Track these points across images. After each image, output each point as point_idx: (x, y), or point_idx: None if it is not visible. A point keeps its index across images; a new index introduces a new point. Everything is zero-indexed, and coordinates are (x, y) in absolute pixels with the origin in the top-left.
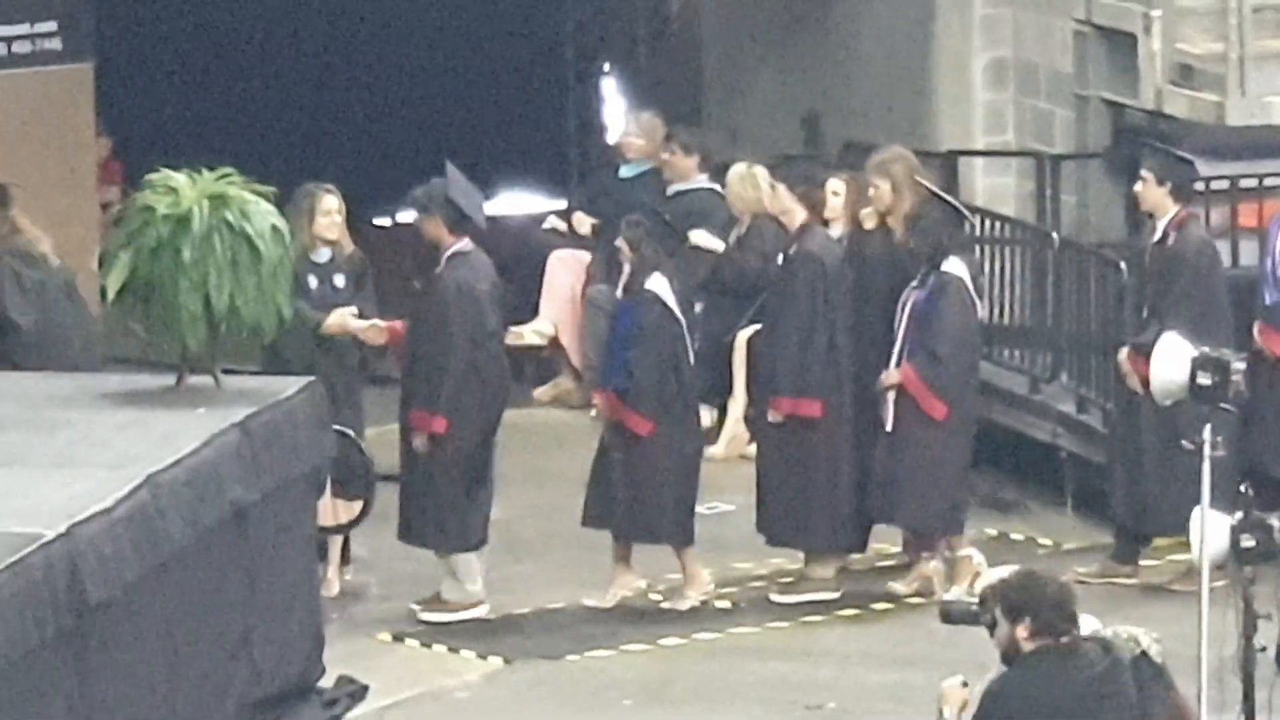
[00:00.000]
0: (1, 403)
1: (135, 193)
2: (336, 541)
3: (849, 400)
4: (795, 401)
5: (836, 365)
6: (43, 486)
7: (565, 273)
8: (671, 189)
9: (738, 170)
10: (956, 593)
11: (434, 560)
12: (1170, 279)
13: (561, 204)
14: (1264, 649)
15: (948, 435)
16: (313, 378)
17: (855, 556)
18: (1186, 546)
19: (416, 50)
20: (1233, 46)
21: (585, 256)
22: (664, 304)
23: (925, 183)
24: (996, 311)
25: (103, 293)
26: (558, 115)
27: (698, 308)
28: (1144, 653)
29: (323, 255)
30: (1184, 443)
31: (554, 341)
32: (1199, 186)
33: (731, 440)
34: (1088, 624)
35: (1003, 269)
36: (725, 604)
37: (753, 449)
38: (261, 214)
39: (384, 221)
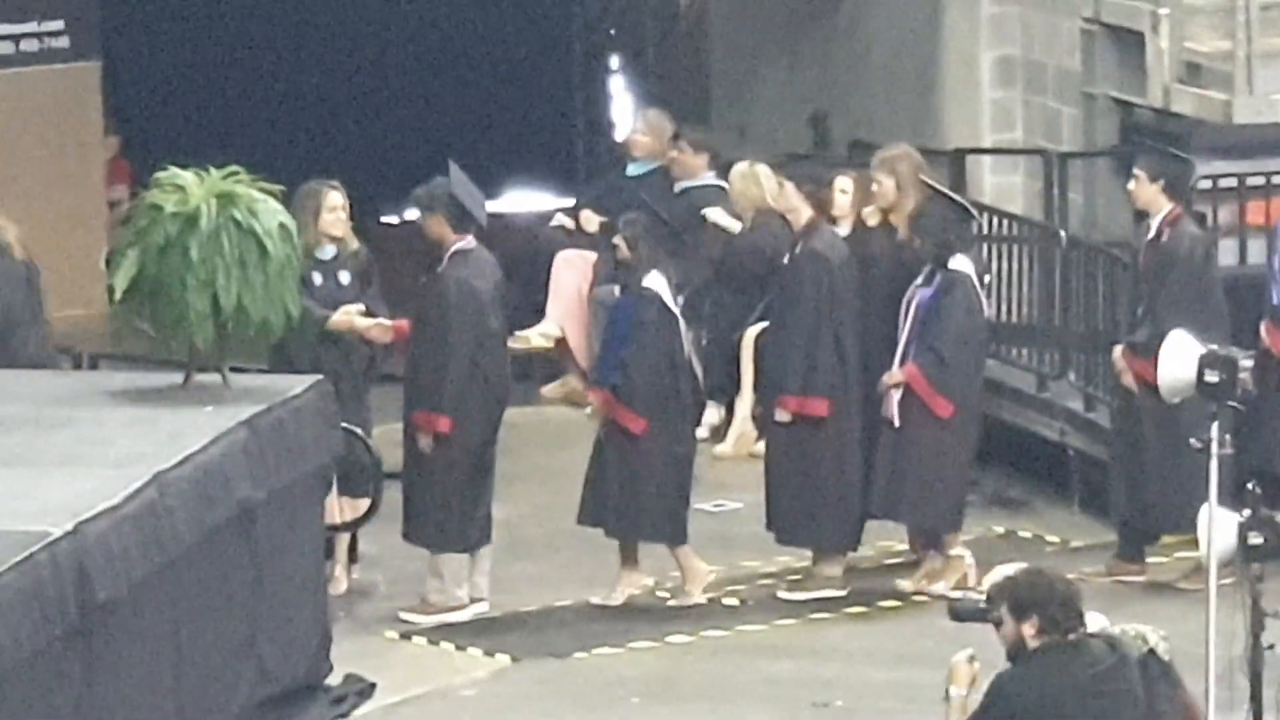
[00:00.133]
0: (9, 401)
1: (143, 191)
2: (344, 539)
3: (856, 398)
4: (802, 400)
5: (843, 364)
6: (50, 485)
7: (571, 273)
8: (679, 186)
9: (740, 168)
10: (941, 589)
11: None
12: (1164, 276)
13: (569, 202)
14: (1272, 647)
15: (953, 433)
16: (320, 376)
17: (863, 554)
18: (1193, 544)
19: (424, 48)
20: (1240, 45)
21: (591, 256)
22: (662, 302)
23: (931, 181)
24: (1004, 309)
25: (110, 291)
26: (565, 113)
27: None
28: (1151, 650)
29: (328, 252)
30: (1192, 441)
31: (560, 343)
32: (1206, 185)
33: (739, 438)
34: (1095, 622)
35: (1010, 267)
36: (733, 601)
37: (760, 447)
38: (269, 212)
39: (392, 219)
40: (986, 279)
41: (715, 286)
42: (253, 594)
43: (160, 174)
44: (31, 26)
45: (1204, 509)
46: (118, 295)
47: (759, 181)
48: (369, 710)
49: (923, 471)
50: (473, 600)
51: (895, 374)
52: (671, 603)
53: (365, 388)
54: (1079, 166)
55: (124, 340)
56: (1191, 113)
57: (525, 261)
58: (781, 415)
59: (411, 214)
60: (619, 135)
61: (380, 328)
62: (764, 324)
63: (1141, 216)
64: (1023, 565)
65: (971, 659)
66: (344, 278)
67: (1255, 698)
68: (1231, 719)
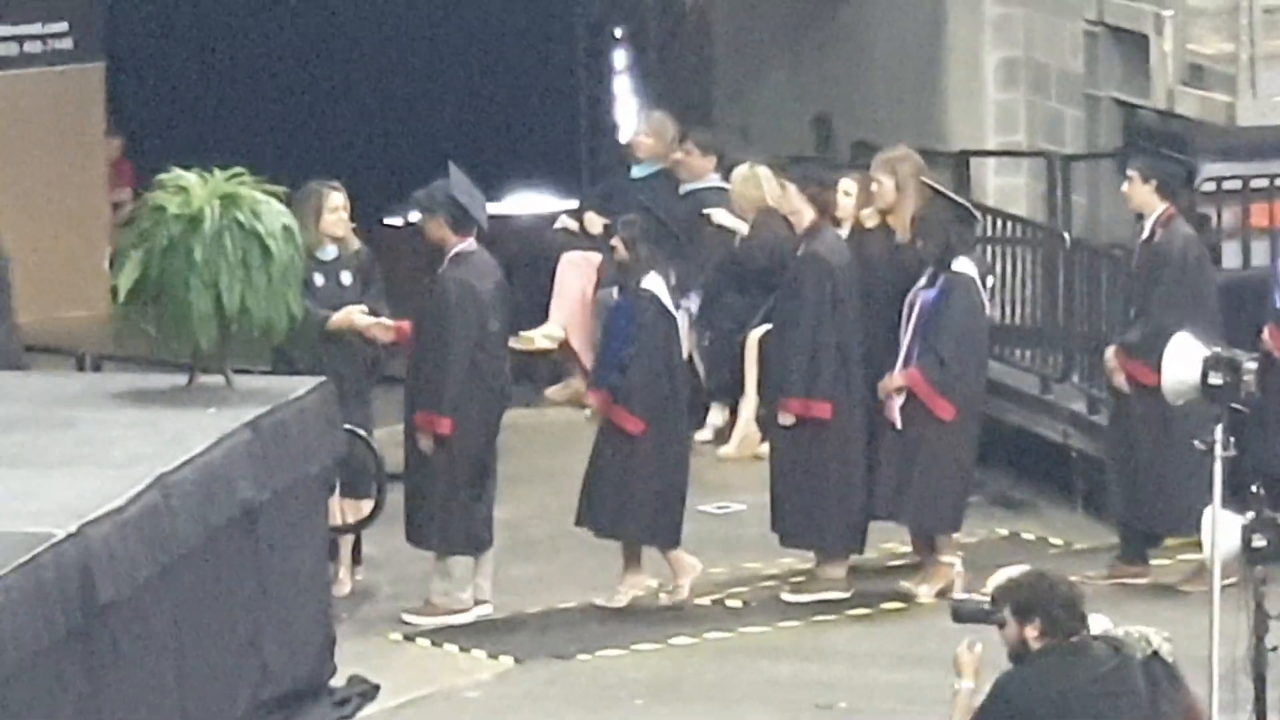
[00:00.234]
0: (12, 402)
1: (146, 192)
2: (348, 541)
3: (859, 401)
4: (805, 404)
5: (846, 366)
6: (53, 486)
7: (575, 275)
8: (685, 188)
9: (741, 171)
10: (926, 591)
11: None
12: (1157, 276)
13: (573, 204)
14: (1275, 649)
15: (955, 435)
16: (323, 378)
17: (865, 556)
18: (1194, 546)
19: (428, 50)
20: (1244, 47)
21: (596, 258)
22: (660, 303)
23: (933, 183)
24: (1008, 311)
25: (113, 292)
26: (569, 115)
27: (691, 305)
28: (1155, 652)
29: (329, 253)
30: (1195, 442)
31: (564, 345)
32: (1209, 187)
33: (743, 440)
34: (1098, 624)
35: (1014, 269)
36: (736, 603)
37: (764, 449)
38: (273, 213)
39: (395, 221)
40: (990, 281)
41: (718, 288)
42: (256, 596)
43: (163, 175)
44: (35, 28)
45: (1207, 511)
46: (121, 296)
47: (759, 184)
48: (372, 712)
49: (926, 473)
50: (476, 602)
51: (896, 379)
52: (664, 601)
53: (368, 389)
54: (1082, 168)
55: (127, 342)
56: (1195, 115)
57: (529, 263)
58: (784, 418)
59: (414, 216)
60: (623, 137)
61: (381, 327)
62: (768, 326)
63: (1142, 218)
64: (1026, 567)
65: (972, 645)
66: (345, 278)
67: (1259, 700)
68: None
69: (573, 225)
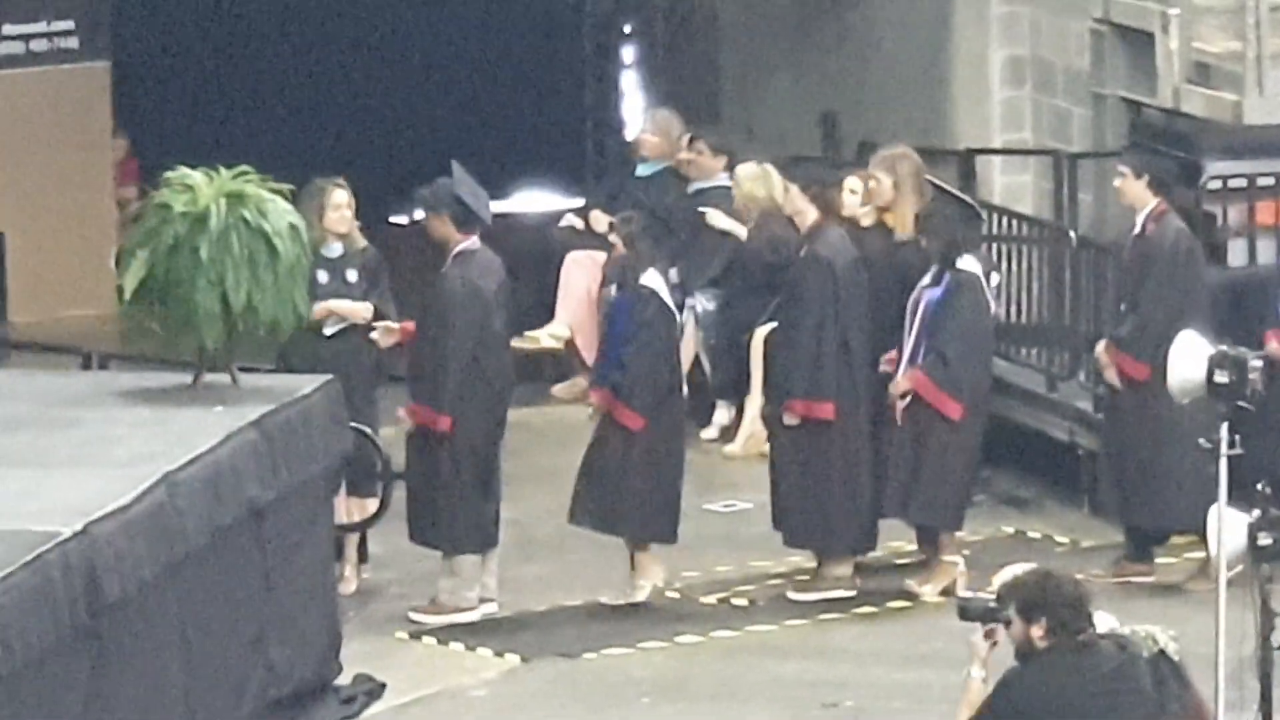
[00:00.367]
0: (18, 402)
1: (152, 191)
2: (354, 539)
3: (863, 400)
4: (809, 404)
5: (849, 366)
6: (59, 485)
7: (581, 274)
8: (694, 187)
9: (747, 170)
10: (930, 590)
11: None
12: (1147, 271)
13: (578, 202)
14: None
15: (961, 433)
16: (329, 376)
17: (872, 554)
18: (1199, 544)
19: (433, 48)
20: (1250, 45)
21: (601, 257)
22: (660, 300)
23: (936, 181)
24: (1014, 310)
25: (119, 291)
26: (575, 113)
27: (697, 303)
28: (1161, 651)
29: (334, 250)
30: (1200, 441)
31: (570, 343)
32: (1215, 185)
33: (749, 438)
34: (1105, 622)
35: (1020, 267)
36: (742, 602)
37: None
38: (279, 212)
39: (401, 220)
40: (995, 279)
41: (733, 288)
42: (262, 594)
43: (169, 174)
44: (41, 26)
45: (1213, 509)
46: (127, 295)
47: (769, 183)
48: (378, 710)
49: (933, 471)
50: (482, 600)
51: (901, 382)
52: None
53: (374, 388)
54: (1089, 167)
55: (133, 340)
56: (1201, 113)
57: (534, 262)
58: (788, 419)
59: (419, 214)
60: (629, 135)
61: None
62: (773, 324)
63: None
64: (1032, 566)
65: (990, 633)
66: (351, 276)
67: (1265, 698)
68: (1241, 719)
69: (578, 224)
